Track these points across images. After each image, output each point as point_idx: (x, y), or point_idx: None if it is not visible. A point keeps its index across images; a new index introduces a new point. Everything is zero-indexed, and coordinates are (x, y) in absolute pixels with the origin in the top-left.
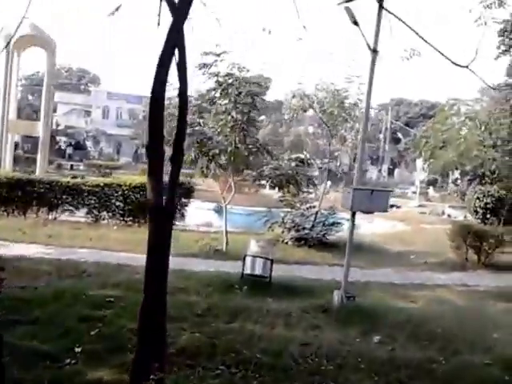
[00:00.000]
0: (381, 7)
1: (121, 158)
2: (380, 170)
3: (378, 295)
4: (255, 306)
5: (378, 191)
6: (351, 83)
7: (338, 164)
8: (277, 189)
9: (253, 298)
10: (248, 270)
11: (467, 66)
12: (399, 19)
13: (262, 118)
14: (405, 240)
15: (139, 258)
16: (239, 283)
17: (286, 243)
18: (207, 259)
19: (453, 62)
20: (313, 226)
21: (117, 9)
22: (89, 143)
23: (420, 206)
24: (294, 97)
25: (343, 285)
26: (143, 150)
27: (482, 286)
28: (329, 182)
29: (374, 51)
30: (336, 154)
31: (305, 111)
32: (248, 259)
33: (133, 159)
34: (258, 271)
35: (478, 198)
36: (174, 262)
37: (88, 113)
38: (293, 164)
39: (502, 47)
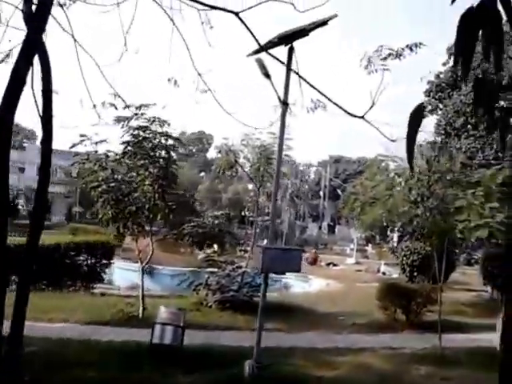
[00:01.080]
0: (289, 58)
1: (53, 217)
2: (320, 227)
3: (299, 363)
4: (158, 381)
5: (289, 250)
6: (276, 138)
7: (280, 221)
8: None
9: (158, 371)
10: (157, 340)
11: (363, 117)
12: (296, 73)
13: (202, 174)
14: (336, 300)
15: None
16: (147, 354)
17: (210, 307)
18: (119, 327)
19: (348, 113)
20: (239, 288)
21: (7, 55)
22: (20, 201)
23: (357, 263)
24: (219, 152)
25: (255, 354)
26: (77, 209)
27: (408, 348)
28: (265, 240)
29: (285, 104)
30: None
31: (231, 167)
32: (157, 327)
33: (66, 218)
34: (167, 340)
35: (405, 256)
36: (79, 331)
37: (22, 170)
38: (216, 221)
39: (429, 107)
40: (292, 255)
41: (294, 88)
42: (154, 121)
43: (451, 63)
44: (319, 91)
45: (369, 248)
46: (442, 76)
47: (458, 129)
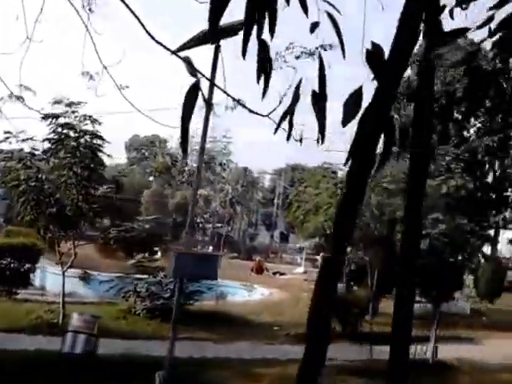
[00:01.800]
0: (215, 57)
1: None
2: (272, 236)
3: (221, 374)
4: None
5: (206, 256)
6: (216, 143)
7: (230, 228)
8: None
9: (64, 382)
10: (67, 349)
11: (268, 115)
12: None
13: (151, 178)
14: (276, 309)
15: None
16: (57, 364)
17: (138, 314)
18: (36, 335)
19: (251, 111)
20: (172, 295)
21: None
22: None
23: (305, 272)
24: (155, 155)
25: (166, 365)
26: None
27: (340, 359)
28: (211, 247)
29: (208, 104)
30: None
31: (168, 169)
32: (68, 336)
33: (4, 220)
34: (79, 349)
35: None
36: None
37: None
38: (147, 226)
39: None
40: (208, 261)
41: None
42: (85, 119)
43: (407, 73)
44: (223, 91)
45: (319, 257)
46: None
47: None
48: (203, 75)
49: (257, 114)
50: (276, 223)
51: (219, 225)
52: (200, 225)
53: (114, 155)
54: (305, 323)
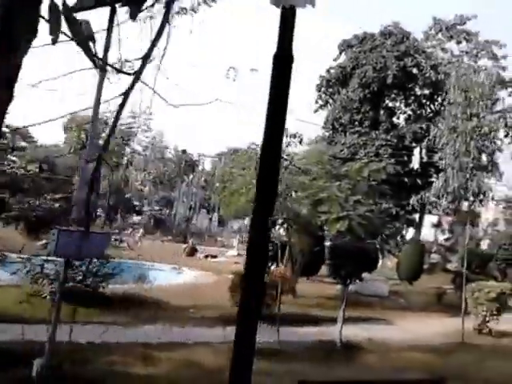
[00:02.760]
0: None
1: None
2: (211, 219)
3: (114, 359)
4: None
5: (91, 234)
6: (136, 118)
7: (174, 212)
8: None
9: None
10: None
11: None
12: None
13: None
14: (198, 292)
15: None
16: None
17: (45, 298)
18: None
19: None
20: (84, 278)
21: None
22: None
23: (239, 255)
24: (66, 129)
25: (46, 352)
26: None
27: None
28: (141, 230)
29: (101, 69)
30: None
31: (83, 147)
32: None
33: None
34: None
35: None
36: None
37: None
38: (57, 205)
39: (320, 102)
40: (94, 240)
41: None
42: None
43: (342, 59)
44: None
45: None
46: (332, 71)
47: (345, 125)
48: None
49: (124, 72)
50: (215, 206)
51: (157, 207)
52: (136, 207)
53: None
54: (223, 306)
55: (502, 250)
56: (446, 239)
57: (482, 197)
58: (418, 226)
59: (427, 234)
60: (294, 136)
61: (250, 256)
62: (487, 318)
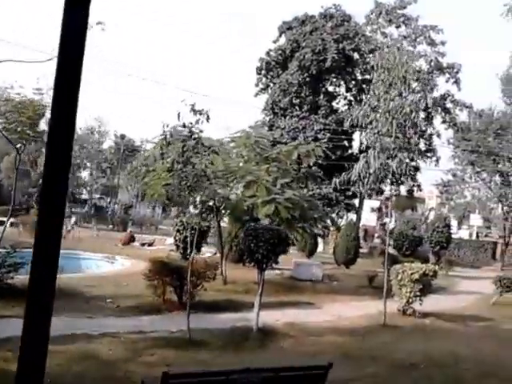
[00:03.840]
0: None
1: None
2: (154, 207)
3: (6, 355)
4: None
5: None
6: (42, 95)
7: (117, 201)
8: None
9: None
10: None
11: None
12: None
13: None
14: (124, 281)
15: None
16: None
17: None
18: None
19: None
20: None
21: None
22: None
23: None
24: None
25: None
26: None
27: (162, 331)
28: (73, 218)
29: None
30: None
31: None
32: None
33: None
34: None
35: (178, 231)
36: None
37: None
38: None
39: (261, 85)
40: None
41: None
42: None
43: (282, 41)
44: None
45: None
46: (272, 54)
47: (285, 108)
48: None
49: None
50: None
51: (97, 196)
52: (77, 195)
53: None
54: (142, 295)
55: (436, 233)
56: (384, 223)
57: (410, 181)
58: (358, 211)
59: (370, 218)
60: (200, 112)
61: (38, 244)
62: (411, 300)
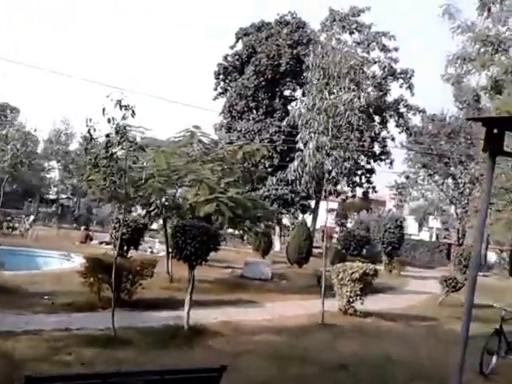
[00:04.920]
0: None
1: None
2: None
3: None
4: None
5: None
6: None
7: (76, 200)
8: None
9: None
10: None
11: None
12: None
13: None
14: (65, 279)
15: None
16: None
17: None
18: None
19: None
20: None
21: None
22: None
23: None
24: None
25: None
26: None
27: (90, 329)
28: (32, 217)
29: None
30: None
31: None
32: None
33: None
34: None
35: (114, 228)
36: None
37: None
38: None
39: (219, 89)
40: None
41: None
42: None
43: (239, 47)
44: None
45: (155, 226)
46: (229, 59)
47: (241, 111)
48: None
49: None
50: None
51: (64, 196)
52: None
53: None
54: (80, 292)
55: (388, 234)
56: (341, 224)
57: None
58: (315, 212)
59: (329, 219)
60: (126, 108)
61: None
62: (351, 299)
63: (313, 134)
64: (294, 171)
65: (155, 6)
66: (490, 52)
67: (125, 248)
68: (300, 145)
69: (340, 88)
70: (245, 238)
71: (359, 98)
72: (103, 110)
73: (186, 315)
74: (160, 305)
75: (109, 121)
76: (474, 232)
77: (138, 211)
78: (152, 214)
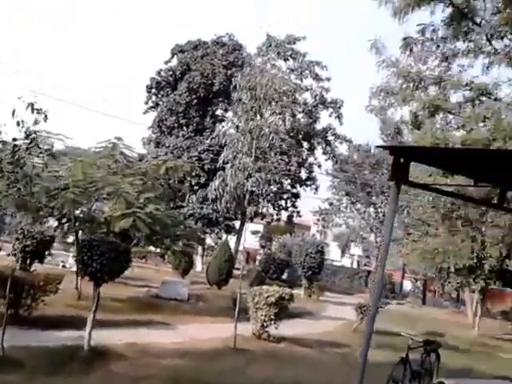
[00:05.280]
0: None
1: None
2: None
3: None
4: None
5: None
6: None
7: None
8: None
9: None
10: None
11: None
12: None
13: None
14: None
15: None
16: None
17: None
18: None
19: None
20: None
21: None
22: None
23: None
24: None
25: None
26: None
27: None
28: None
29: None
30: None
31: None
32: None
33: None
34: None
35: (17, 239)
36: None
37: None
38: None
39: (150, 103)
40: None
41: None
42: None
43: (174, 62)
44: None
45: (71, 239)
46: (163, 74)
47: (171, 127)
48: None
49: None
50: None
51: None
52: None
53: None
54: None
55: (309, 258)
56: (263, 246)
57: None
58: (239, 233)
59: (253, 241)
60: (38, 111)
61: None
62: (265, 323)
63: (236, 154)
64: (215, 190)
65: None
66: (412, 88)
67: (28, 261)
68: (222, 164)
69: (266, 110)
70: (166, 256)
71: (284, 122)
72: (13, 112)
73: (87, 336)
74: (62, 323)
75: (18, 124)
76: (379, 261)
77: (51, 223)
78: (65, 226)
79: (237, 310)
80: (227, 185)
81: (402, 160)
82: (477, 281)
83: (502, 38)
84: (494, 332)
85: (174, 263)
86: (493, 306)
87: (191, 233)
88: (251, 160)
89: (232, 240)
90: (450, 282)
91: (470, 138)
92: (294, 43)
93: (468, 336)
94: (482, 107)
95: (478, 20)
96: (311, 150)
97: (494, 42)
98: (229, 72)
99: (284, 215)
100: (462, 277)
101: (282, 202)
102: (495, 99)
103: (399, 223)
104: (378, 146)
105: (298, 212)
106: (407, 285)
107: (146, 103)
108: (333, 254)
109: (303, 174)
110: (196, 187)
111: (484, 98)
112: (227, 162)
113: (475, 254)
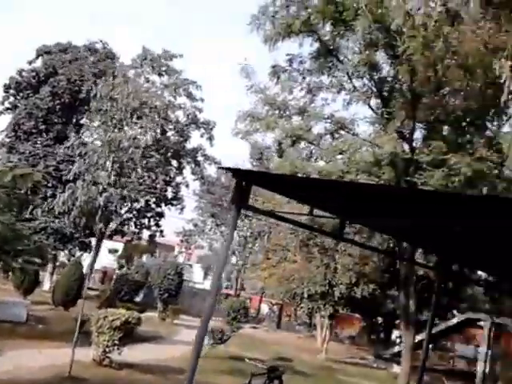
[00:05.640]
0: None
1: None
2: None
3: None
4: None
5: None
6: None
7: None
8: None
9: None
10: None
11: None
12: None
13: None
14: None
15: None
16: None
17: None
18: None
19: None
20: None
21: None
22: None
23: None
24: None
25: None
26: None
27: None
28: None
29: None
30: None
31: None
32: None
33: None
34: None
35: None
36: None
37: None
38: None
39: (7, 104)
40: None
41: None
42: None
43: (39, 63)
44: None
45: None
46: (24, 74)
47: (29, 133)
48: None
49: None
50: None
51: None
52: None
53: None
54: None
55: (166, 280)
56: (121, 266)
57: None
58: (96, 251)
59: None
60: None
61: None
62: (107, 349)
63: (90, 167)
64: (63, 203)
65: None
66: (277, 116)
67: None
68: (74, 176)
69: (128, 123)
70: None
71: (145, 136)
72: None
73: None
74: None
75: None
76: (211, 283)
77: None
78: None
79: (76, 333)
80: (77, 198)
81: (244, 183)
82: (327, 306)
83: (361, 78)
84: (340, 356)
85: (15, 281)
86: (342, 330)
87: (36, 249)
88: (106, 174)
89: (88, 258)
90: (302, 307)
91: (325, 169)
92: (171, 59)
93: (315, 360)
94: (340, 140)
95: (341, 58)
96: (180, 169)
97: (354, 80)
98: (98, 80)
99: (146, 234)
100: (314, 302)
101: (145, 221)
102: (353, 134)
103: (260, 248)
104: (219, 167)
105: (162, 231)
106: (265, 308)
107: (2, 104)
108: (196, 275)
109: (169, 193)
110: (51, 199)
111: (343, 132)
112: (80, 175)
113: (327, 281)
